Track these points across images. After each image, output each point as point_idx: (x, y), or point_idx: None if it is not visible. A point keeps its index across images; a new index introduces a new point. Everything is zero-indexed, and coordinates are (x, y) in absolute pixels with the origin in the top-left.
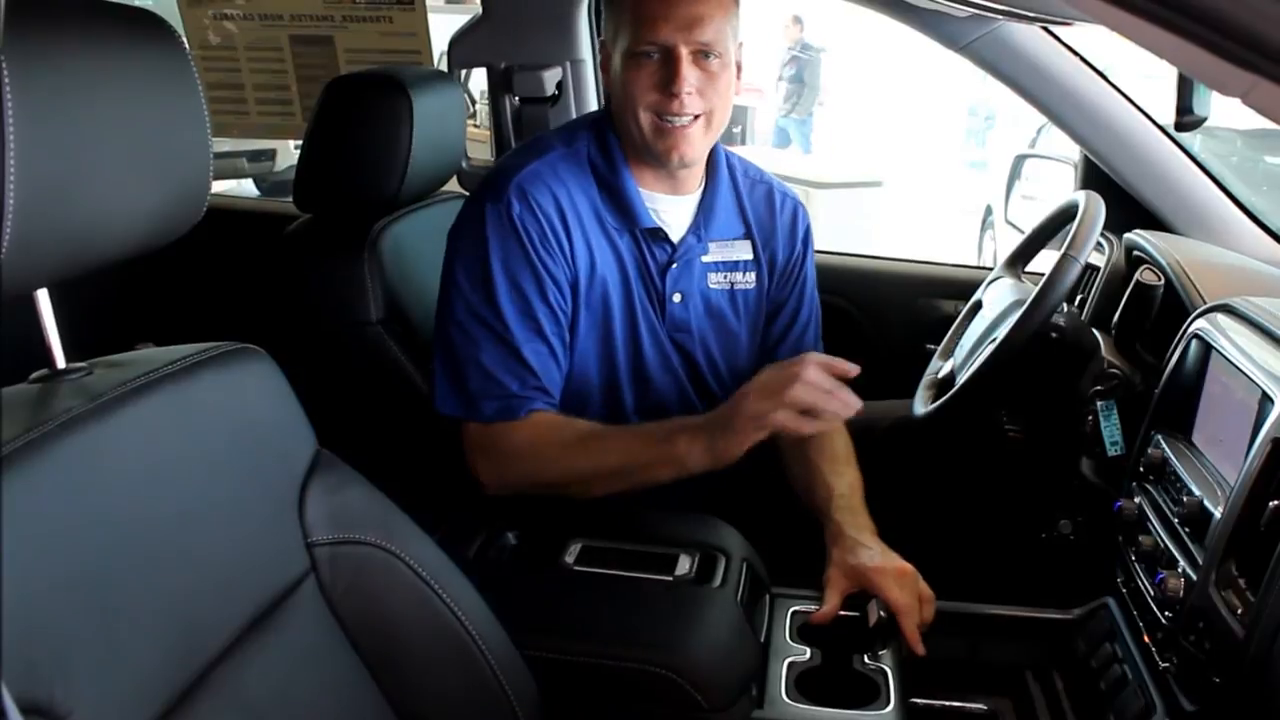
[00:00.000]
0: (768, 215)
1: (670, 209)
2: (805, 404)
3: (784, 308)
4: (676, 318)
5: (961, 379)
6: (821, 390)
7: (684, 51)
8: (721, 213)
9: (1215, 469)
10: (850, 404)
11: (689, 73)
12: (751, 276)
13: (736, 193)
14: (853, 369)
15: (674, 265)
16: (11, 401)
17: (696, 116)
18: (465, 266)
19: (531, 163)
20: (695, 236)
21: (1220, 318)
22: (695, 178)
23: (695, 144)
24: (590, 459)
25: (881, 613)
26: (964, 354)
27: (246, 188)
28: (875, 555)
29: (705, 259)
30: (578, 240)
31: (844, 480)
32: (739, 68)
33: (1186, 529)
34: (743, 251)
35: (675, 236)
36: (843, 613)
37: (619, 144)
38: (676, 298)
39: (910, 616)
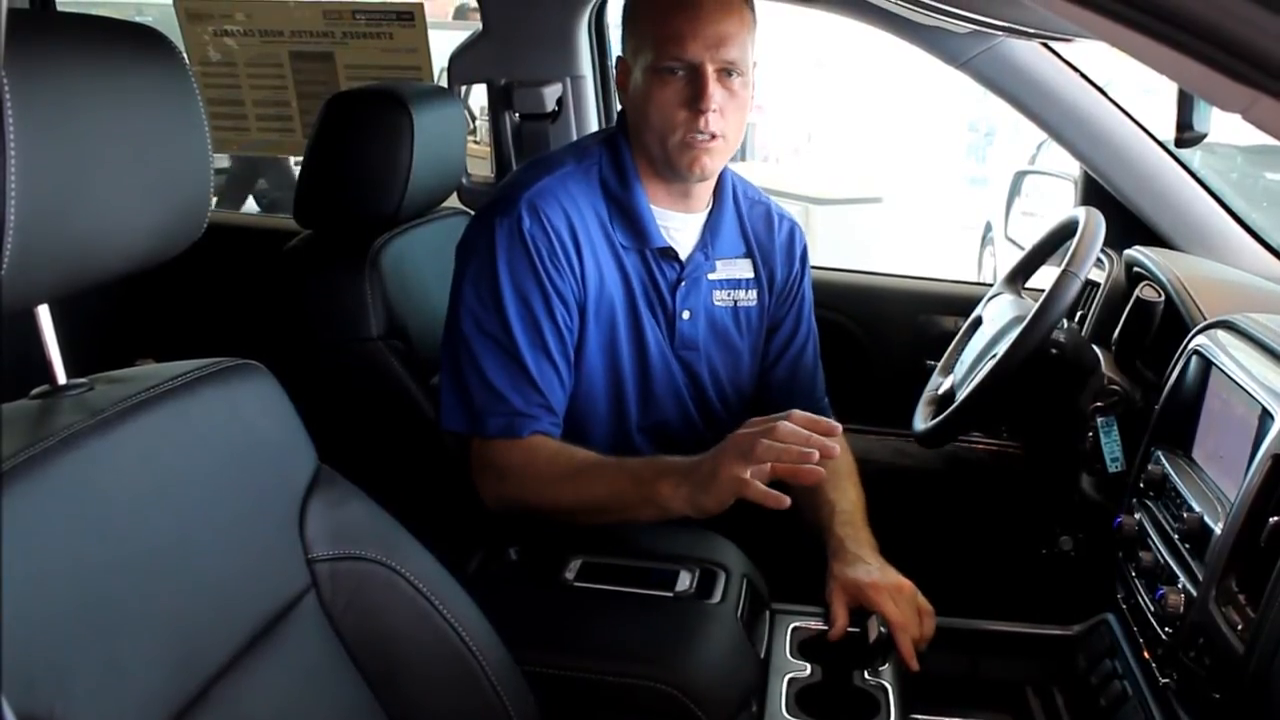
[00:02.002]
0: (766, 235)
1: (680, 227)
2: (776, 459)
3: (781, 327)
4: (685, 335)
5: (961, 395)
6: (792, 447)
7: (710, 70)
8: (726, 231)
9: (1215, 485)
10: (827, 452)
11: (715, 91)
12: (753, 294)
13: (739, 212)
14: (836, 426)
15: (683, 283)
16: (12, 417)
17: (716, 135)
18: (473, 281)
19: (543, 178)
20: (703, 254)
21: (1220, 334)
22: (705, 195)
23: (716, 159)
24: (577, 493)
25: (881, 629)
26: (964, 370)
27: (247, 203)
28: (873, 570)
29: (711, 276)
30: (587, 259)
31: (846, 496)
32: (754, 86)
33: (1187, 545)
34: (745, 270)
35: (684, 254)
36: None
37: (633, 161)
38: (685, 315)
39: (907, 632)
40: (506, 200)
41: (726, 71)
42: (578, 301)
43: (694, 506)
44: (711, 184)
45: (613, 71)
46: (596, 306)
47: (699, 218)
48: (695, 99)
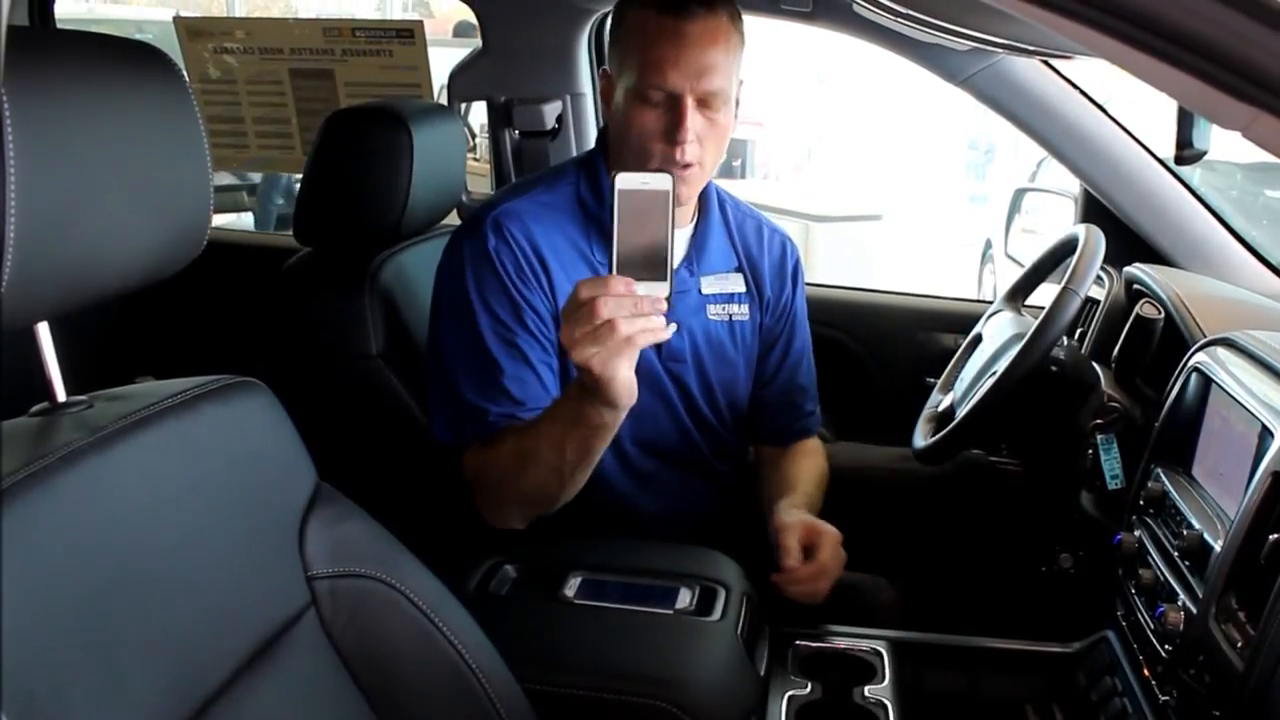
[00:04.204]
0: (757, 250)
1: None
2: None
3: (776, 342)
4: (673, 348)
5: (961, 413)
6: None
7: (690, 100)
8: (714, 247)
9: (1215, 502)
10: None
11: (693, 121)
12: (746, 309)
13: (728, 227)
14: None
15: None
16: (12, 435)
17: (692, 164)
18: (448, 303)
19: (509, 201)
20: (688, 270)
21: (1220, 351)
22: (688, 211)
23: (693, 185)
24: (527, 451)
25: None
26: (964, 387)
27: (246, 221)
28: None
29: (703, 291)
30: (557, 273)
31: (805, 485)
32: (737, 104)
33: (1186, 562)
34: (737, 284)
35: None
36: (843, 648)
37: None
38: (672, 328)
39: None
40: (474, 222)
41: (707, 101)
42: (551, 314)
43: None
44: (693, 202)
45: None
46: None
47: (683, 233)
48: (673, 129)
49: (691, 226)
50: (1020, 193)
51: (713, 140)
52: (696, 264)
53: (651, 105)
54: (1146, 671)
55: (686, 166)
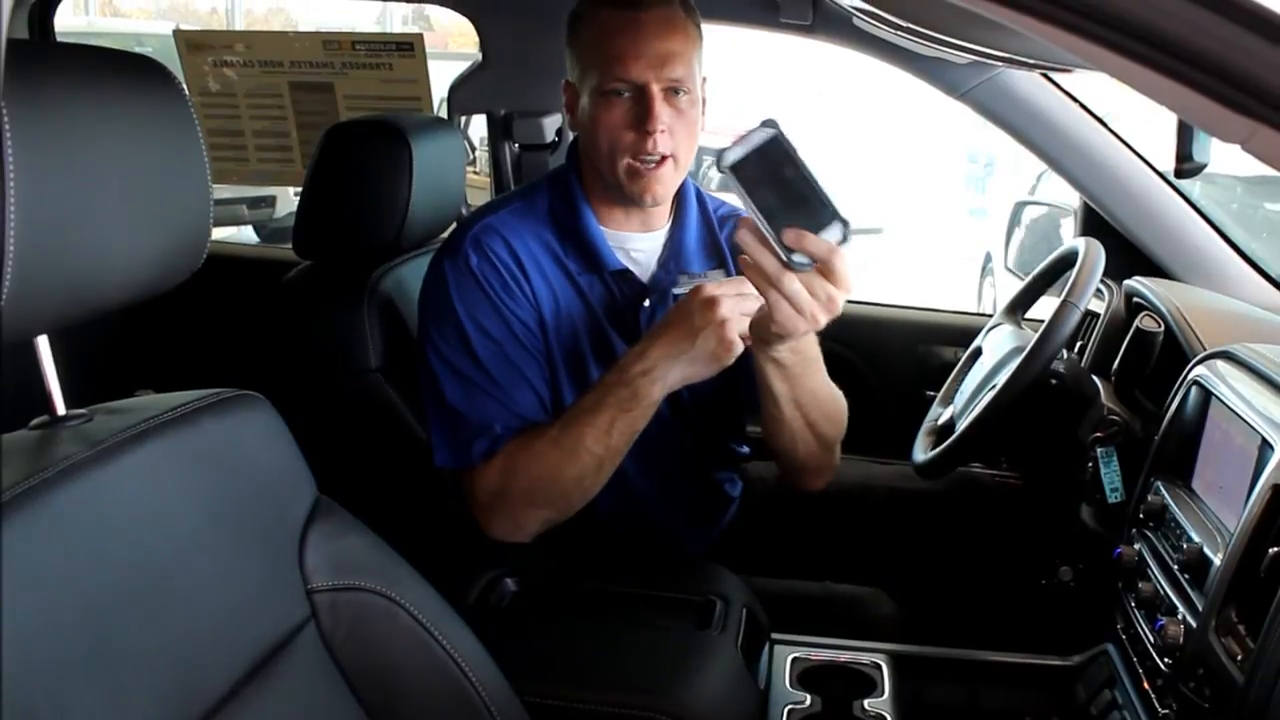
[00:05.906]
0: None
1: (640, 246)
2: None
3: None
4: None
5: (961, 426)
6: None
7: (656, 89)
8: (693, 247)
9: (1215, 515)
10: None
11: (662, 111)
12: None
13: (707, 224)
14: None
15: (647, 303)
16: (12, 448)
17: (666, 156)
18: (436, 324)
19: (485, 218)
20: (665, 271)
21: (1220, 364)
22: (663, 212)
23: (667, 182)
24: (572, 452)
25: None
26: (964, 401)
27: (246, 234)
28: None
29: (676, 292)
30: (537, 282)
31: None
32: (704, 103)
33: (1186, 575)
34: (717, 279)
35: (644, 274)
36: (843, 661)
37: (581, 187)
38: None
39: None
40: (453, 243)
41: (673, 90)
42: (536, 323)
43: (689, 380)
44: (668, 202)
45: None
46: (555, 327)
47: (659, 235)
48: (642, 120)
49: (666, 228)
50: (1020, 206)
51: (684, 133)
52: (674, 265)
53: (618, 101)
54: (1146, 685)
55: (661, 161)
